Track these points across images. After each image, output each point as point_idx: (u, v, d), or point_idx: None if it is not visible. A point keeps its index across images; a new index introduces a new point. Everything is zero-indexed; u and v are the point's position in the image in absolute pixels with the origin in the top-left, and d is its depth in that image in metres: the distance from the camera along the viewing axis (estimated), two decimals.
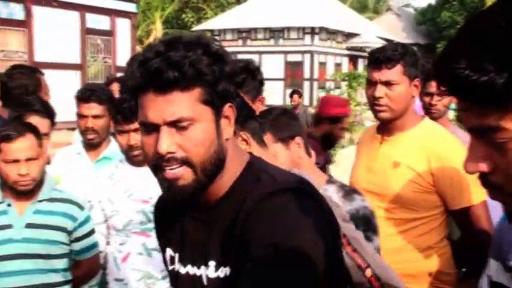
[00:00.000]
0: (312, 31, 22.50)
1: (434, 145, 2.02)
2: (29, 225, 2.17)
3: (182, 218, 1.17)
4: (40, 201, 2.22)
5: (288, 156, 1.80)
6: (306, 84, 22.17)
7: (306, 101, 21.56)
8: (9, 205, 2.18)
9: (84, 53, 11.24)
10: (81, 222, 2.27)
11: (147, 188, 2.26)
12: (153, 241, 2.24)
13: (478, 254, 1.98)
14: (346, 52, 24.49)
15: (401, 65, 2.01)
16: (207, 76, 1.02)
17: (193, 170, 1.03)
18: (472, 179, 1.98)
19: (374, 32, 24.98)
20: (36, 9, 10.28)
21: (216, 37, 24.92)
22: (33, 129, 2.19)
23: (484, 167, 0.73)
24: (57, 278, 2.24)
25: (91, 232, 2.31)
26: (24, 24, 10.14)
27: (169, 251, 1.21)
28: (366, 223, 1.78)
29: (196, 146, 1.02)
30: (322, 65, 22.89)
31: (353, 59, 24.47)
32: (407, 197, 1.99)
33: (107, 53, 11.86)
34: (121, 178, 2.36)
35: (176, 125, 1.01)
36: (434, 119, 2.86)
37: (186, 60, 0.99)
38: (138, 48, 20.77)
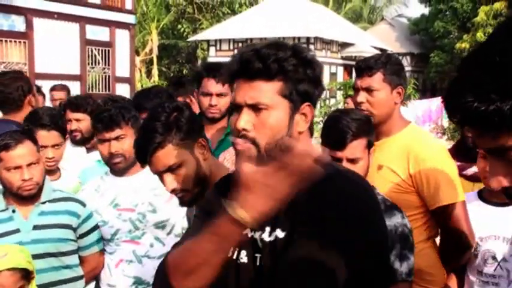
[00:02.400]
0: (307, 41, 22.69)
1: (414, 148, 2.12)
2: (36, 227, 2.23)
3: None
4: (43, 203, 2.27)
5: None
6: None
7: None
8: (13, 211, 2.23)
9: (84, 64, 11.33)
10: (84, 219, 2.32)
11: (131, 196, 2.33)
12: (142, 248, 2.31)
13: (457, 253, 2.11)
14: (341, 61, 24.68)
15: (382, 73, 2.15)
16: (289, 73, 1.20)
17: (258, 148, 1.20)
18: (447, 180, 2.09)
19: (368, 41, 25.21)
20: (37, 21, 10.38)
21: (212, 47, 25.08)
22: (30, 136, 2.26)
23: (505, 182, 0.83)
24: (70, 273, 2.30)
25: (94, 228, 2.36)
26: (25, 36, 10.23)
27: None
28: (404, 241, 1.82)
29: (267, 129, 1.20)
30: None
31: (348, 68, 24.66)
32: (389, 198, 2.06)
33: (106, 64, 11.97)
34: (107, 189, 2.40)
35: (255, 108, 1.21)
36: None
37: (273, 56, 1.19)
38: (136, 59, 20.77)
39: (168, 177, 1.63)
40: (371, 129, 1.95)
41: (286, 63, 1.19)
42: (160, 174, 1.65)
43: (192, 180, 1.63)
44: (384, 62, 2.17)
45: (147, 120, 1.74)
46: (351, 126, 1.86)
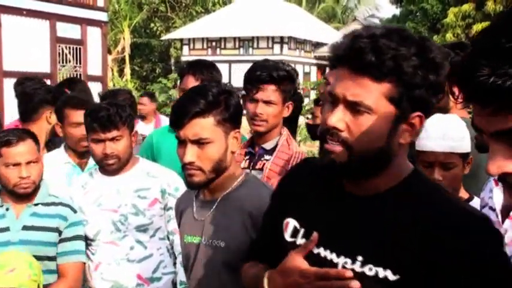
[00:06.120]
0: (281, 40, 22.79)
1: None
2: (26, 228, 2.22)
3: (329, 200, 1.16)
4: (36, 204, 2.27)
5: None
6: None
7: None
8: (7, 209, 2.25)
9: (54, 62, 11.12)
10: (71, 223, 2.28)
11: (116, 197, 2.29)
12: (121, 251, 2.27)
13: None
14: (315, 61, 24.86)
15: None
16: (405, 76, 0.99)
17: (349, 153, 1.05)
18: None
19: None
20: (5, 18, 10.13)
21: (185, 46, 24.93)
22: (32, 135, 2.27)
23: (508, 167, 0.75)
24: (53, 279, 2.25)
25: (78, 237, 2.30)
26: None
27: (292, 222, 1.20)
28: None
29: (362, 134, 1.03)
30: None
31: (321, 68, 24.85)
32: None
33: (77, 62, 11.78)
34: (93, 187, 2.36)
35: (353, 107, 1.03)
36: None
37: (392, 51, 0.98)
38: (109, 57, 20.48)
39: (192, 149, 1.55)
40: None
41: (405, 63, 0.98)
42: (185, 142, 1.56)
43: (212, 163, 1.56)
44: None
45: (198, 86, 1.66)
46: None
